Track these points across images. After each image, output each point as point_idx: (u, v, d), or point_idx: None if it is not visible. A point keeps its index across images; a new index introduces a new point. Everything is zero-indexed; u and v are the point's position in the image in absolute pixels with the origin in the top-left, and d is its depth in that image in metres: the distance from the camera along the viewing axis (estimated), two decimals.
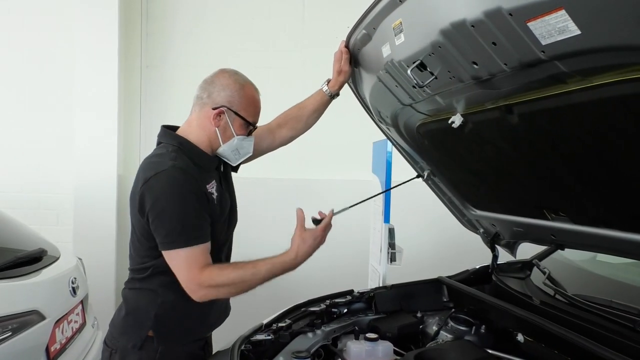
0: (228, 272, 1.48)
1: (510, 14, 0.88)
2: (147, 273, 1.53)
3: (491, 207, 1.78)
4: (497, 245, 1.99)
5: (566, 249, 1.91)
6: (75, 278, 2.27)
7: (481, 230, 2.01)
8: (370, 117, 1.94)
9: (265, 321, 1.78)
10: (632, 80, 0.81)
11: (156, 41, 3.89)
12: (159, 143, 1.62)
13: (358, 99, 1.90)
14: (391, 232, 2.39)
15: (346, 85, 1.83)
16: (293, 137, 1.88)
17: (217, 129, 1.58)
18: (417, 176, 1.94)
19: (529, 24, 0.86)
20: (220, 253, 1.64)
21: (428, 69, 1.21)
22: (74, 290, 2.23)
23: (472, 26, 0.98)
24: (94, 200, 3.52)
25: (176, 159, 1.49)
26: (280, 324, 1.77)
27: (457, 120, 1.37)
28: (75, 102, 3.61)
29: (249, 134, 1.65)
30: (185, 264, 1.43)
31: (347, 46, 1.65)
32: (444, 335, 1.79)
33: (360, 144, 3.15)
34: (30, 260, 2.09)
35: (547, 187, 1.36)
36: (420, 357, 1.59)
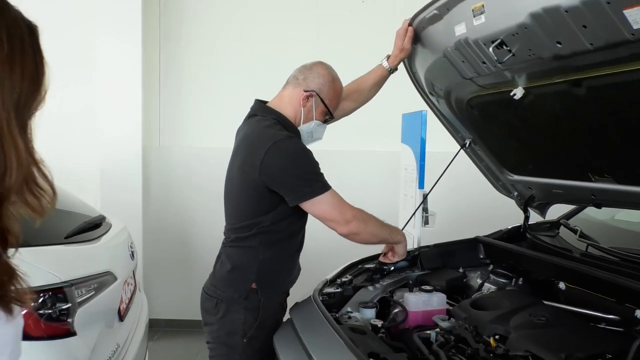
0: (365, 212, 1.75)
1: (608, 2, 1.04)
2: (252, 232, 1.71)
3: (531, 171, 1.97)
4: (530, 208, 2.19)
5: (588, 209, 2.15)
6: (132, 243, 2.41)
7: (515, 193, 2.21)
8: (418, 89, 2.08)
9: (328, 277, 1.96)
10: None
11: (174, 13, 3.93)
12: (253, 115, 1.79)
13: (408, 73, 2.04)
14: (425, 197, 2.58)
15: None
16: (354, 109, 2.06)
17: (302, 108, 1.78)
18: (461, 146, 2.11)
19: (625, 11, 1.02)
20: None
21: (507, 47, 1.37)
22: (132, 255, 2.36)
23: (566, 11, 1.13)
24: (120, 171, 3.60)
25: (283, 130, 1.69)
26: (343, 279, 1.96)
27: (518, 92, 1.53)
28: (98, 75, 3.65)
29: (325, 122, 1.86)
30: (332, 204, 1.66)
31: (410, 24, 1.79)
32: (488, 287, 2.00)
33: (385, 115, 3.31)
34: (93, 226, 2.21)
35: (599, 152, 1.55)
36: (475, 303, 1.80)
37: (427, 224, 2.58)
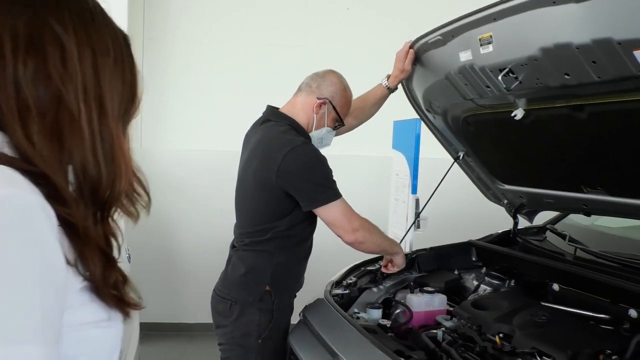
0: (371, 223, 1.81)
1: (619, 43, 1.13)
2: (267, 236, 1.74)
3: (523, 182, 2.08)
4: (518, 214, 2.31)
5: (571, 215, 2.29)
6: (128, 247, 2.37)
7: (505, 201, 2.32)
8: (414, 105, 2.16)
9: (334, 279, 2.02)
10: None
11: (158, 13, 3.90)
12: (267, 120, 1.82)
13: (405, 91, 2.11)
14: (417, 202, 2.67)
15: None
16: (356, 126, 2.14)
17: (315, 115, 1.84)
18: (455, 159, 2.20)
19: (635, 52, 1.12)
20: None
21: (514, 75, 1.46)
22: (129, 258, 2.33)
23: (577, 48, 1.23)
24: None
25: (298, 136, 1.74)
26: (348, 281, 2.01)
27: (519, 114, 1.63)
28: None
29: (334, 129, 1.92)
30: (342, 212, 1.71)
31: (412, 47, 1.85)
32: (483, 289, 2.10)
33: (376, 122, 3.39)
34: None
35: (593, 168, 1.67)
36: (477, 303, 1.89)
37: (419, 227, 2.68)
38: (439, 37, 1.64)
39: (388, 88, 2.02)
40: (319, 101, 1.83)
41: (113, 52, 0.70)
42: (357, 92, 2.03)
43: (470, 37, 1.51)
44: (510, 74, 1.48)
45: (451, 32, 1.57)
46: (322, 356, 1.45)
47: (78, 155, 0.65)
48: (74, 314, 0.60)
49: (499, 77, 1.48)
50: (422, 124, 2.64)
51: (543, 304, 1.85)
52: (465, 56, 1.58)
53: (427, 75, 1.90)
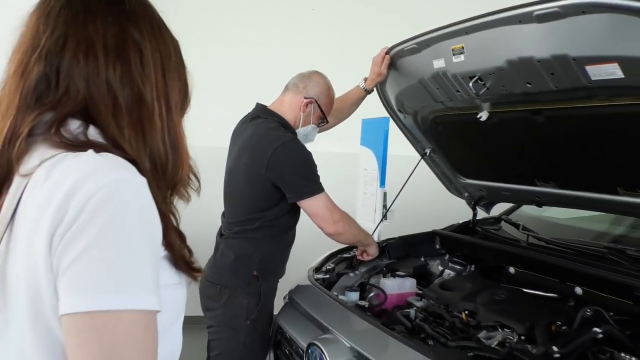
0: (349, 216, 1.99)
1: (574, 60, 1.34)
2: (255, 225, 1.87)
3: (483, 176, 2.31)
4: (477, 206, 2.54)
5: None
6: None
7: (466, 194, 2.55)
8: (386, 106, 2.34)
9: (313, 265, 2.17)
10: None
11: None
12: (256, 117, 1.94)
13: (378, 92, 2.28)
14: (385, 195, 2.86)
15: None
16: (335, 125, 2.30)
17: (302, 113, 1.99)
18: (422, 155, 2.40)
19: (587, 67, 1.33)
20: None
21: (482, 82, 1.66)
22: None
23: (538, 61, 1.43)
24: None
25: (287, 132, 1.88)
26: (327, 267, 2.17)
27: (484, 115, 1.83)
28: None
29: (319, 126, 2.09)
30: (325, 204, 1.87)
31: (388, 53, 2.02)
32: (447, 273, 2.31)
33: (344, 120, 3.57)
34: None
35: (546, 163, 1.90)
36: (444, 285, 2.09)
37: (386, 219, 2.87)
38: (414, 45, 1.81)
39: (365, 90, 2.19)
40: (305, 100, 1.98)
41: (174, 56, 0.81)
42: (339, 91, 2.19)
43: (443, 47, 1.68)
44: (479, 81, 1.68)
45: (426, 42, 1.74)
46: (313, 332, 1.60)
47: (154, 145, 0.76)
48: (160, 277, 0.71)
49: (470, 84, 1.67)
50: (390, 122, 2.85)
51: (502, 285, 2.08)
52: (438, 64, 1.76)
53: (401, 79, 2.07)
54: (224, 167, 2.05)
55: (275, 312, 2.02)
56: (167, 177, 0.78)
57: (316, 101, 1.99)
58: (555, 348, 1.47)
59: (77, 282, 0.62)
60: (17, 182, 0.70)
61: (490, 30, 1.50)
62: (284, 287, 2.06)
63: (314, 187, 1.85)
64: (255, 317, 1.87)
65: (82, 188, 0.63)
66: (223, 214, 2.05)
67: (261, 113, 1.98)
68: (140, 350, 0.63)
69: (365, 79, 2.18)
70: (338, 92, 2.23)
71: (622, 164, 1.64)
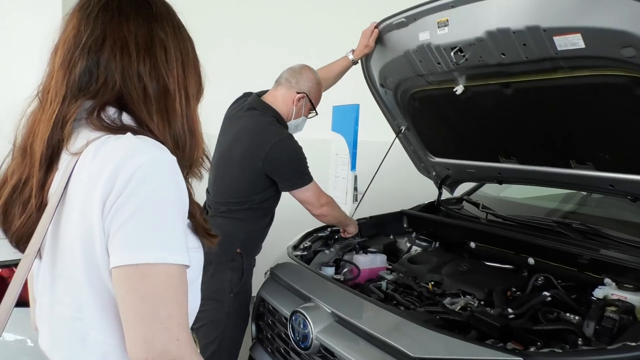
0: (334, 200, 2.19)
1: (544, 30, 1.50)
2: (243, 207, 2.02)
3: (452, 154, 2.47)
4: (443, 186, 2.73)
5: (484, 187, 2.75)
6: None
7: (433, 173, 2.72)
8: (368, 81, 2.46)
9: (291, 243, 2.31)
10: (599, 75, 1.52)
11: None
12: (253, 108, 2.07)
13: (362, 66, 2.40)
14: (355, 178, 3.01)
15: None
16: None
17: (294, 107, 2.14)
18: (397, 133, 2.56)
19: (554, 38, 1.50)
20: None
21: (462, 53, 1.81)
22: None
23: (514, 32, 1.58)
24: None
25: (281, 127, 2.05)
26: (304, 245, 2.32)
27: (459, 89, 1.98)
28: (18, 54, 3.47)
29: (308, 117, 2.26)
30: (313, 192, 2.08)
31: (377, 27, 2.14)
32: (415, 249, 2.49)
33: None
34: None
35: (510, 139, 2.08)
36: (412, 259, 2.27)
37: (357, 200, 3.03)
38: (402, 19, 1.94)
39: (352, 61, 2.33)
40: (298, 95, 2.13)
41: (191, 52, 0.94)
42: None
43: (430, 20, 1.83)
44: (460, 52, 1.82)
45: (414, 16, 1.88)
46: (295, 302, 1.73)
47: (176, 129, 0.88)
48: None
49: (451, 54, 1.82)
50: (360, 108, 2.99)
51: (464, 258, 2.27)
52: (424, 36, 1.89)
53: (387, 53, 2.19)
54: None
55: (254, 287, 2.16)
56: (185, 157, 0.91)
57: (307, 95, 2.14)
58: (510, 310, 1.66)
59: (126, 241, 0.75)
60: (66, 159, 0.83)
61: (474, 4, 1.65)
62: (260, 265, 2.20)
63: (305, 178, 2.05)
64: (238, 290, 2.00)
65: (126, 165, 0.76)
66: (207, 191, 2.17)
67: (257, 105, 2.11)
68: (176, 296, 0.77)
69: (353, 51, 2.31)
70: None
71: (576, 136, 1.83)
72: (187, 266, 0.80)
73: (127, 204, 0.75)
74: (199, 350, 0.86)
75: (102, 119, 0.83)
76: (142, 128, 0.85)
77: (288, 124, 2.17)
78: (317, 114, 2.27)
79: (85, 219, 0.78)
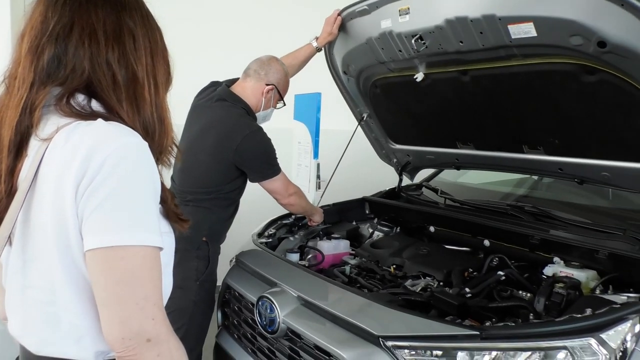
0: (301, 191, 2.25)
1: (500, 19, 1.56)
2: (210, 196, 2.02)
3: (412, 141, 2.54)
4: (404, 172, 2.81)
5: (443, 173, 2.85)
6: None
7: (394, 160, 2.79)
8: (331, 68, 2.48)
9: (255, 231, 2.33)
10: (550, 63, 1.60)
11: None
12: (222, 99, 2.07)
13: (325, 54, 2.42)
14: (318, 166, 3.05)
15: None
16: None
17: (263, 99, 2.16)
18: (359, 120, 2.61)
19: (509, 26, 1.56)
20: None
21: (422, 41, 1.86)
22: None
23: (471, 21, 1.64)
24: None
25: (251, 120, 2.08)
26: (269, 232, 2.34)
27: (419, 76, 2.04)
28: None
29: (276, 107, 2.29)
30: (282, 182, 2.14)
31: (340, 14, 2.17)
32: (377, 234, 2.56)
33: None
34: None
35: (467, 125, 2.16)
36: (374, 244, 2.34)
37: (320, 188, 3.07)
38: (365, 6, 1.97)
39: (317, 48, 2.35)
40: (267, 87, 2.15)
41: (159, 41, 0.95)
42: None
43: (391, 8, 1.87)
44: (420, 40, 1.87)
45: (376, 3, 1.92)
46: (261, 288, 1.76)
47: (145, 117, 0.89)
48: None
49: (412, 42, 1.86)
50: (322, 97, 3.02)
51: (424, 242, 2.35)
52: (385, 24, 1.93)
53: (350, 40, 2.22)
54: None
55: (219, 276, 2.17)
56: (155, 144, 0.91)
57: (276, 87, 2.17)
58: (467, 289, 1.74)
59: (100, 224, 0.77)
60: (36, 145, 0.83)
61: None
62: (226, 254, 2.21)
63: (274, 169, 2.10)
64: (204, 279, 2.01)
65: (99, 149, 0.77)
66: (172, 179, 2.15)
67: (228, 97, 2.11)
68: (151, 277, 0.80)
69: (317, 38, 2.33)
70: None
71: (528, 122, 1.92)
72: (161, 248, 0.82)
73: (100, 188, 0.76)
74: None
75: (72, 105, 0.83)
76: (112, 115, 0.85)
77: (257, 115, 2.19)
78: (285, 104, 2.30)
79: (58, 204, 0.78)
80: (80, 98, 0.85)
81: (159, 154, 0.93)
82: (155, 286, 0.80)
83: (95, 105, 0.86)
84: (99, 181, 0.76)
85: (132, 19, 0.89)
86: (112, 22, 0.86)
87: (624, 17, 1.33)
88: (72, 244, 0.79)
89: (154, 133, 0.91)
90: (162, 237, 0.83)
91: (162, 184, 0.89)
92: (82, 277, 0.81)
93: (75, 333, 0.84)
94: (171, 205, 0.93)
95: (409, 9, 1.79)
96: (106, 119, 0.83)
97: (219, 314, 2.12)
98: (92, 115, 0.83)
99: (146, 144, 0.83)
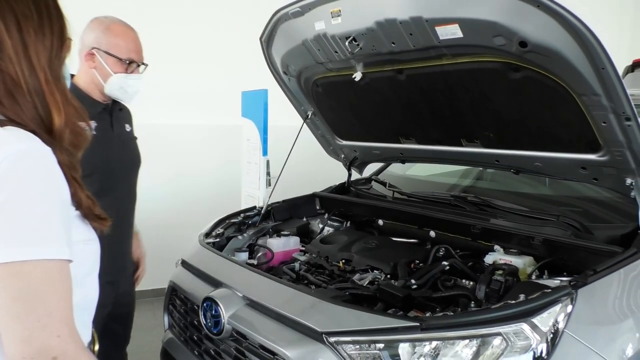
0: None
1: (427, 21, 1.61)
2: None
3: (358, 137, 2.57)
4: (352, 167, 2.83)
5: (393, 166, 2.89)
6: None
7: (342, 156, 2.81)
8: (271, 69, 2.45)
9: (203, 231, 2.29)
10: (478, 62, 1.66)
11: None
12: None
13: (264, 54, 2.39)
14: (267, 162, 3.03)
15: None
16: None
17: (95, 71, 1.74)
18: (304, 119, 2.60)
19: (436, 28, 1.60)
20: None
21: (356, 42, 1.88)
22: None
23: (400, 23, 1.67)
24: None
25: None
26: (216, 232, 2.31)
27: (358, 76, 2.06)
28: None
29: (132, 71, 1.79)
30: None
31: (274, 15, 2.12)
32: (327, 230, 2.56)
33: (223, 93, 3.60)
34: None
35: (407, 121, 2.20)
36: (324, 240, 2.35)
37: (270, 185, 3.06)
38: (298, 8, 1.96)
39: None
40: (85, 53, 1.73)
41: (36, 13, 0.82)
42: None
43: (323, 10, 1.87)
44: (354, 42, 1.89)
45: (308, 5, 1.91)
46: (207, 289, 1.74)
47: (28, 109, 0.81)
48: (73, 233, 0.81)
49: (346, 43, 1.88)
50: (269, 93, 3.00)
51: (373, 235, 2.38)
52: (319, 26, 1.94)
53: (287, 42, 2.20)
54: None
55: (165, 278, 2.11)
56: (56, 136, 0.84)
57: (98, 48, 1.73)
58: (413, 281, 1.78)
59: None
60: None
61: None
62: (173, 256, 2.16)
63: None
64: None
65: None
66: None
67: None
68: (55, 292, 0.75)
69: None
70: None
71: (463, 117, 1.98)
72: (69, 260, 0.77)
73: None
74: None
75: None
76: (5, 118, 0.80)
77: (106, 91, 1.78)
78: (139, 65, 1.82)
79: None
80: None
81: (58, 135, 0.84)
82: (61, 301, 0.75)
83: None
84: None
85: None
86: None
87: (541, 18, 1.39)
88: None
89: (50, 122, 0.83)
90: (79, 246, 0.79)
91: (77, 186, 0.84)
92: None
93: None
94: (87, 206, 0.88)
95: (340, 11, 1.80)
96: (2, 124, 0.78)
97: (165, 317, 2.08)
98: None
99: (47, 149, 0.78)
